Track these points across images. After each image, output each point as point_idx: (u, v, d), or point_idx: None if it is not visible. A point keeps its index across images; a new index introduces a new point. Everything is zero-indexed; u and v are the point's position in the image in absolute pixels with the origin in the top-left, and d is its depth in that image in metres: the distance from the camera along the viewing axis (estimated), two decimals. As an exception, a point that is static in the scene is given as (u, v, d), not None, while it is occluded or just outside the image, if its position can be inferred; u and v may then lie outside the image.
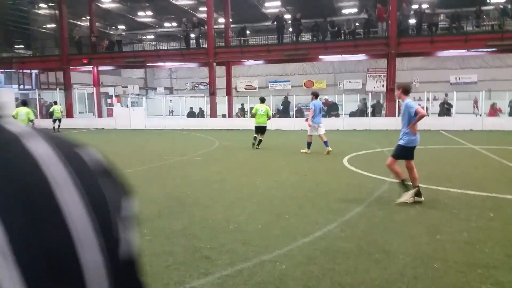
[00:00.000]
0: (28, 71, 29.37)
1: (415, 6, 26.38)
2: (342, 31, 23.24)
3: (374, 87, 35.29)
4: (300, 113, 25.73)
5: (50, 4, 30.64)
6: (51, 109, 23.05)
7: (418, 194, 5.83)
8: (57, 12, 28.10)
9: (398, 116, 21.97)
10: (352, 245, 4.26)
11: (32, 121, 13.14)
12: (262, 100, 13.33)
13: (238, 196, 6.50)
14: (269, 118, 13.07)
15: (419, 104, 6.52)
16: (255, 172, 8.82)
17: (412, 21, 22.89)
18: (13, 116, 12.46)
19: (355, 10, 32.66)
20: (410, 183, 5.92)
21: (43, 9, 32.42)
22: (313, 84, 39.71)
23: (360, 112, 23.24)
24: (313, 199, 6.26)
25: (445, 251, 4.07)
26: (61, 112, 22.89)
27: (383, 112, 23.22)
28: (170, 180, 8.03)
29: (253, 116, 13.22)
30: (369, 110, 22.86)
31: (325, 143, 11.35)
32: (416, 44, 21.79)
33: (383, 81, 31.03)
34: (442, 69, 36.07)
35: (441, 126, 20.21)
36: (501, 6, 22.05)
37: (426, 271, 3.61)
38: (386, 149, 12.37)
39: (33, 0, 30.47)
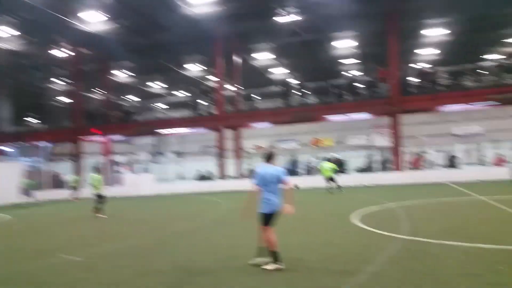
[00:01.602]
0: (41, 143, 30.32)
1: (415, 66, 27.49)
2: (345, 92, 24.07)
3: (381, 143, 35.55)
4: (308, 171, 25.84)
5: (64, 79, 32.32)
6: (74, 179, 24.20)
7: (276, 258, 5.76)
8: (71, 86, 29.58)
9: (405, 170, 22.05)
10: (364, 308, 4.18)
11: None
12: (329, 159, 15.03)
13: (248, 262, 6.43)
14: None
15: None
16: (264, 235, 8.74)
17: (414, 80, 23.68)
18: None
19: (357, 72, 34.03)
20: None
21: (58, 84, 34.14)
22: (321, 142, 40.15)
23: (368, 168, 23.27)
24: (324, 262, 6.16)
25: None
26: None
27: (391, 166, 23.25)
28: (179, 248, 7.94)
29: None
30: (376, 165, 22.92)
31: None
32: (418, 102, 22.37)
33: (389, 137, 31.34)
34: (446, 123, 36.37)
35: (448, 178, 20.10)
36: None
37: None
38: (395, 204, 12.27)
39: (48, 75, 32.22)
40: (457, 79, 23.07)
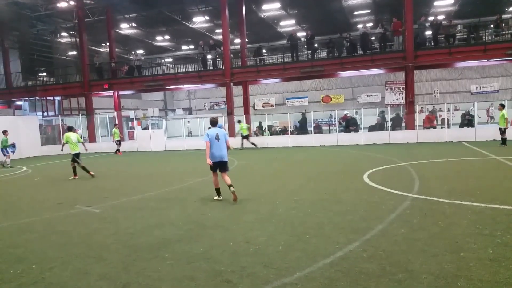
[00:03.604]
0: (51, 98, 30.38)
1: (431, 18, 26.27)
2: (358, 46, 23.25)
3: (393, 100, 34.98)
4: (318, 128, 25.64)
5: (71, 32, 31.87)
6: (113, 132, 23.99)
7: (218, 194, 8.12)
8: (78, 40, 29.16)
9: (419, 128, 21.76)
10: (374, 265, 4.19)
11: (83, 143, 13.34)
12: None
13: (258, 217, 6.51)
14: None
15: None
16: (274, 192, 8.81)
17: (429, 33, 22.75)
18: (66, 142, 12.72)
19: (371, 24, 32.79)
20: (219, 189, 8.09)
21: (65, 38, 33.72)
22: (331, 99, 39.70)
23: (380, 126, 22.97)
24: (333, 218, 6.21)
25: (469, 269, 3.97)
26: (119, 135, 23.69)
27: (403, 125, 22.92)
28: (190, 202, 8.11)
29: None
30: (389, 123, 22.59)
31: None
32: (434, 56, 21.57)
33: (402, 94, 30.75)
34: (462, 79, 35.56)
35: (463, 137, 19.83)
36: None
37: (451, 292, 3.53)
38: (407, 163, 12.18)
39: (55, 30, 31.77)
40: (475, 33, 22.03)
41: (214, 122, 8.19)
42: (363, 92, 38.31)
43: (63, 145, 13.37)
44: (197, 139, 26.74)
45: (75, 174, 12.69)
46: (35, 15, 28.05)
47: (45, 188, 11.35)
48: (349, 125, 23.51)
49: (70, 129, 13.45)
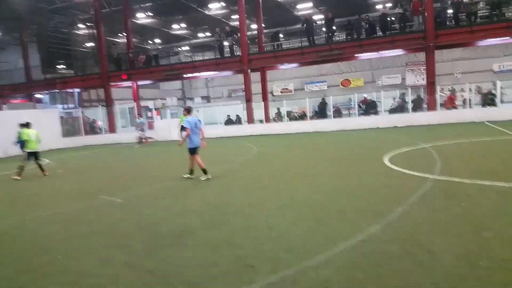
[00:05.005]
0: (71, 90, 30.69)
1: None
2: (377, 27, 22.71)
3: (414, 81, 34.25)
4: (338, 113, 25.36)
5: (88, 24, 32.02)
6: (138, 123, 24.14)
7: (205, 173, 9.15)
8: (95, 31, 29.27)
9: (440, 109, 21.27)
10: (395, 247, 4.20)
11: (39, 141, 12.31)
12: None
13: (279, 203, 6.56)
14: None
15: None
16: (294, 177, 8.84)
17: (450, 12, 22.02)
18: (26, 140, 11.77)
19: (389, 5, 31.92)
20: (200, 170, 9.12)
21: (82, 30, 34.00)
22: (350, 83, 39.12)
23: (400, 108, 22.57)
24: (354, 202, 6.21)
25: (491, 248, 3.94)
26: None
27: (425, 106, 22.44)
28: (211, 189, 8.21)
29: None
30: (410, 105, 22.15)
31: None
32: (455, 35, 20.90)
33: (423, 74, 30.03)
34: (484, 58, 34.42)
35: (486, 117, 19.31)
36: None
37: (472, 271, 3.52)
38: (428, 145, 11.99)
39: (72, 22, 32.01)
40: (498, 10, 21.14)
41: (190, 111, 9.44)
42: (383, 74, 37.58)
43: (17, 143, 12.27)
44: (215, 127, 26.86)
45: (43, 170, 12.17)
46: (52, 7, 28.26)
47: (68, 179, 11.59)
48: (369, 108, 23.19)
49: (28, 125, 12.03)
